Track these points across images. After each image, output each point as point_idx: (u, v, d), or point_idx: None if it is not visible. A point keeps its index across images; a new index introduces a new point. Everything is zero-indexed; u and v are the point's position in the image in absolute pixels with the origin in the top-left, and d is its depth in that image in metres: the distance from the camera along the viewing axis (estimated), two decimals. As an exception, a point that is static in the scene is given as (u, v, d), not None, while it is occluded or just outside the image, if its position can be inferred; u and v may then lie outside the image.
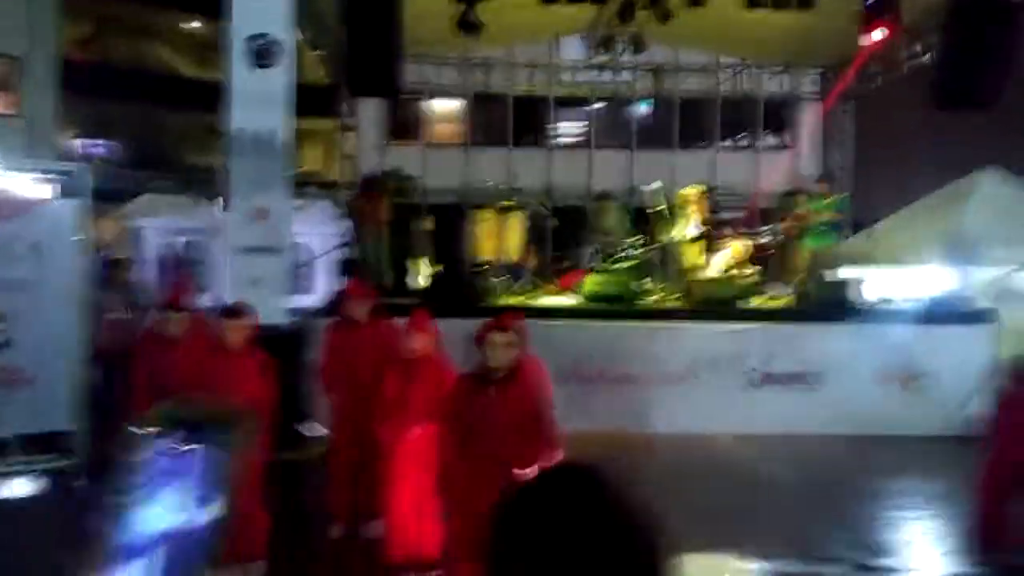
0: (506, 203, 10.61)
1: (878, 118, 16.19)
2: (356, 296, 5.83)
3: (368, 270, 9.17)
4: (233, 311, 4.76)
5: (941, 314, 8.81)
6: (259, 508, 4.52)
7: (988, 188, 10.56)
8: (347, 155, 12.92)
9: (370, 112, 14.29)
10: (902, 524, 5.95)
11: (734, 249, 10.05)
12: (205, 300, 8.81)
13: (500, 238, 10.06)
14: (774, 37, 12.72)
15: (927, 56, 11.27)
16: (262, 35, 7.91)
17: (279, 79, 8.04)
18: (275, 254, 7.78)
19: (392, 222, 9.79)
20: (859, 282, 9.32)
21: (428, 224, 10.73)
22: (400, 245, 9.84)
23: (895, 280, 10.15)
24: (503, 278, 9.99)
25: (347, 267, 9.80)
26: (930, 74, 10.39)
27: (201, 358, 4.70)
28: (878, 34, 10.15)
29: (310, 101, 10.34)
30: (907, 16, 10.37)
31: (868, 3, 10.09)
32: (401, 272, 9.71)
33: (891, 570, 5.04)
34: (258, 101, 7.97)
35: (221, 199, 8.19)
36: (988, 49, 9.20)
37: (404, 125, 15.50)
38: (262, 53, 7.94)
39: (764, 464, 7.48)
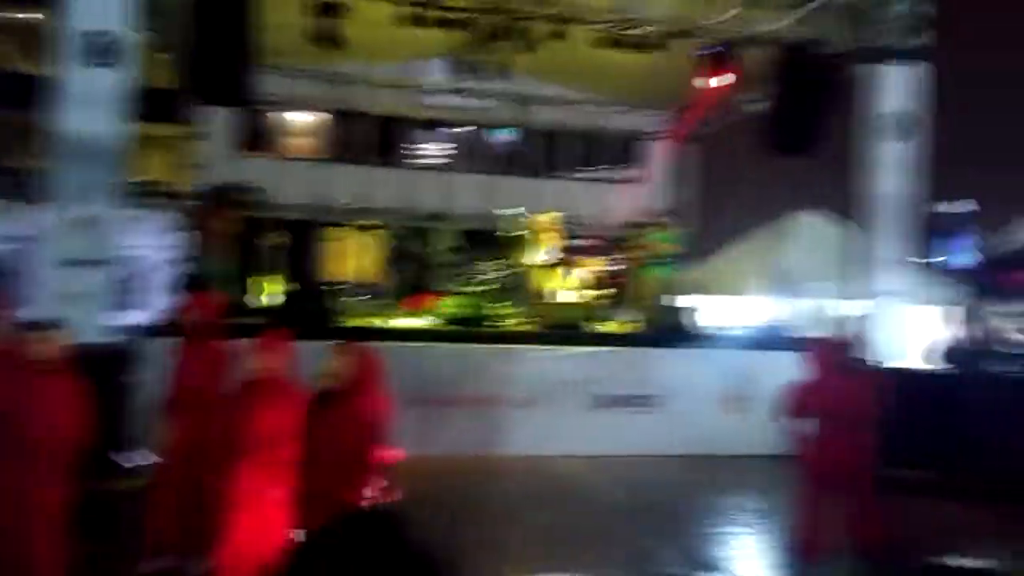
0: (362, 222, 10.45)
1: (720, 157, 17.43)
2: (197, 313, 5.50)
3: (210, 286, 8.69)
4: (41, 326, 4.34)
5: (767, 340, 9.52)
6: (61, 542, 4.12)
7: (809, 227, 11.67)
8: (195, 165, 12.24)
9: (222, 121, 13.65)
10: (733, 539, 6.32)
11: (584, 274, 10.42)
12: (18, 314, 7.99)
13: (355, 257, 9.87)
14: (627, 76, 13.40)
15: (762, 104, 12.27)
16: (100, 31, 7.39)
17: (116, 79, 7.52)
18: (99, 267, 7.20)
19: (238, 237, 9.35)
20: (697, 310, 9.92)
21: (279, 240, 10.34)
22: (246, 261, 9.41)
23: (728, 309, 10.91)
24: (356, 298, 9.80)
25: (186, 283, 9.25)
26: (762, 120, 11.31)
27: (4, 376, 4.23)
28: (717, 81, 10.94)
29: (154, 105, 9.72)
30: (746, 65, 11.24)
31: (708, 51, 10.84)
32: (247, 289, 9.28)
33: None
34: (91, 102, 7.42)
35: (44, 205, 7.49)
36: (812, 101, 10.15)
37: (259, 136, 14.91)
38: (99, 50, 7.41)
39: (606, 485, 7.74)
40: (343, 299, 9.52)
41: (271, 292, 9.69)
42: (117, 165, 7.51)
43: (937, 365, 9.38)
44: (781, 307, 10.64)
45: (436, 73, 14.87)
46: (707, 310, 10.41)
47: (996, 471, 7.79)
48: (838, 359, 5.58)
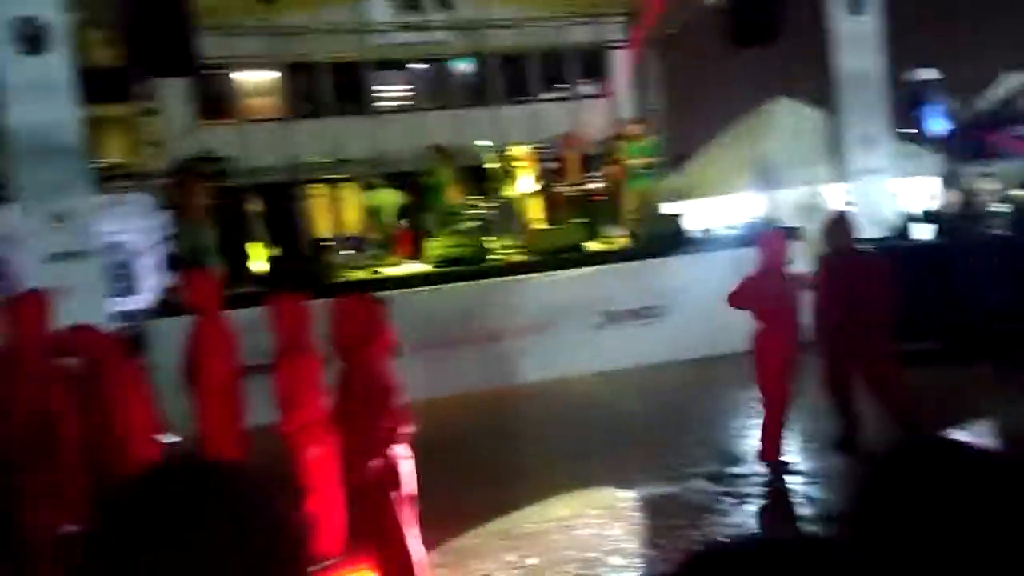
0: (337, 175, 10.24)
1: (682, 59, 17.12)
2: (197, 289, 5.45)
3: (195, 261, 8.56)
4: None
5: (757, 236, 9.54)
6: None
7: (781, 117, 11.59)
8: (154, 141, 11.87)
9: (175, 92, 13.16)
10: (751, 431, 6.48)
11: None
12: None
13: (335, 211, 9.71)
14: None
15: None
16: (29, 18, 7.07)
17: (57, 65, 7.23)
18: (85, 258, 7.08)
19: (215, 207, 9.16)
20: (683, 216, 9.93)
21: (257, 206, 10.14)
22: (229, 231, 9.24)
23: (714, 210, 10.93)
24: (347, 252, 9.70)
25: (175, 262, 9.11)
26: (724, 13, 11.06)
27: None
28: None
29: (104, 86, 9.37)
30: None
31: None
32: (237, 259, 9.14)
33: (746, 475, 5.51)
34: (36, 91, 7.14)
35: (16, 204, 7.30)
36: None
37: (215, 103, 14.42)
38: (31, 38, 7.10)
39: (623, 398, 7.88)
40: (332, 255, 9.42)
41: (257, 259, 9.56)
42: (79, 152, 7.29)
43: (923, 235, 9.50)
44: (767, 200, 10.66)
45: (382, 12, 14.36)
46: (694, 214, 10.41)
47: (992, 332, 8.00)
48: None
